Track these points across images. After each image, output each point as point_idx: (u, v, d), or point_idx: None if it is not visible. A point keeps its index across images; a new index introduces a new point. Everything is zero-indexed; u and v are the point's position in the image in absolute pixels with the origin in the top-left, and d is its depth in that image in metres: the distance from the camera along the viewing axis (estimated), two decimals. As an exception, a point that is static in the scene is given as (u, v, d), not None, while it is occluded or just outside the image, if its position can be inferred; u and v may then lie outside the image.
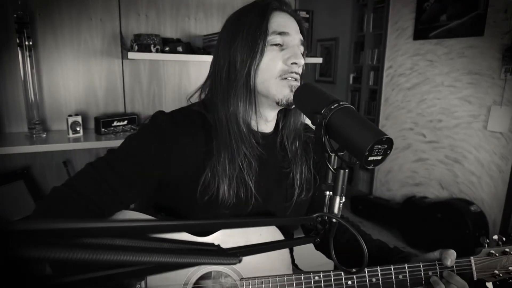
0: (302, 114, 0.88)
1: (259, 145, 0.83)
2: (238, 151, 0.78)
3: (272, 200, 0.86)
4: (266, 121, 0.86)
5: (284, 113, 0.90)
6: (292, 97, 0.78)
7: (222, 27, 0.86)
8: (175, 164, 0.78)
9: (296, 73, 0.79)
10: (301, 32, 0.83)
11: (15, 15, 1.62)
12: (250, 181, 0.80)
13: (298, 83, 0.80)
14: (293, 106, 0.81)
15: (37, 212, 0.74)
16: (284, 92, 0.78)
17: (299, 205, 0.90)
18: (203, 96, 0.88)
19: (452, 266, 0.78)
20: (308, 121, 0.93)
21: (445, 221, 2.65)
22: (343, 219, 0.55)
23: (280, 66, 0.78)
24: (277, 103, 0.80)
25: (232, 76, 0.79)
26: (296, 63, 0.78)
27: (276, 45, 0.78)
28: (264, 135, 0.86)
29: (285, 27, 0.79)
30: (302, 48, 0.82)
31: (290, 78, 0.78)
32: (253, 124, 0.84)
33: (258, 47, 0.77)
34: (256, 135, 0.83)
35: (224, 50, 0.81)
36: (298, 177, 0.87)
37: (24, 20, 1.64)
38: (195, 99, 0.88)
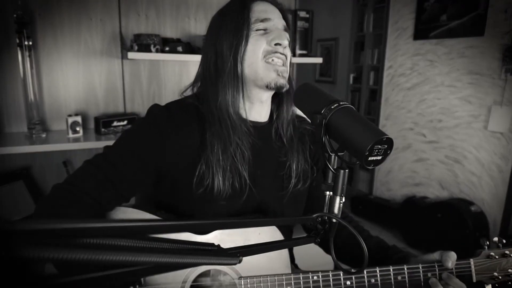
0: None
1: (252, 134, 0.83)
2: (230, 140, 0.79)
3: (268, 190, 0.86)
4: (260, 103, 0.87)
5: (278, 103, 0.92)
6: (281, 80, 0.81)
7: (207, 27, 0.89)
8: (171, 155, 0.79)
9: (281, 53, 0.81)
10: (285, 19, 0.86)
11: (15, 15, 1.62)
12: (244, 171, 0.81)
13: (285, 68, 0.83)
14: (284, 89, 0.83)
15: (39, 211, 0.74)
16: (271, 75, 0.81)
17: (296, 195, 0.90)
18: (195, 90, 0.90)
19: (452, 268, 0.78)
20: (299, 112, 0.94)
21: (445, 221, 2.65)
22: (343, 219, 0.55)
23: (264, 47, 0.80)
24: (267, 87, 0.81)
25: (220, 67, 0.82)
26: (280, 44, 0.80)
27: (260, 30, 0.81)
28: (257, 124, 0.88)
29: (266, 14, 0.82)
30: (286, 34, 0.85)
31: (275, 60, 0.81)
32: (244, 113, 0.85)
33: (242, 34, 0.80)
34: (247, 124, 0.84)
35: (211, 44, 0.84)
36: (294, 166, 0.88)
37: (24, 20, 1.64)
38: (188, 93, 0.90)
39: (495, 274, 0.80)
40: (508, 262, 0.81)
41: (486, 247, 0.81)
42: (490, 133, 2.55)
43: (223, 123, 0.80)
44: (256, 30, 0.81)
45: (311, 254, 1.02)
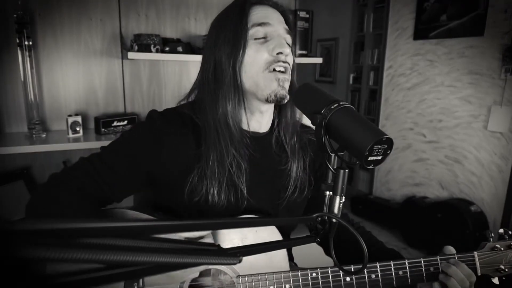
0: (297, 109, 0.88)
1: (250, 146, 0.82)
2: (227, 152, 0.77)
3: (264, 201, 0.85)
4: (260, 113, 0.84)
5: (279, 110, 0.89)
6: (281, 92, 0.78)
7: (207, 31, 0.86)
8: (165, 161, 0.79)
9: (284, 61, 0.78)
10: (287, 22, 0.83)
11: (15, 15, 1.62)
12: (241, 184, 0.79)
13: (287, 76, 0.79)
14: (285, 101, 0.80)
15: (35, 199, 0.76)
16: (272, 86, 0.77)
17: (292, 205, 0.88)
18: (192, 97, 0.88)
19: (454, 254, 0.79)
20: (305, 120, 0.92)
21: (445, 221, 2.65)
22: (343, 219, 0.55)
23: (266, 57, 0.77)
24: (266, 100, 0.78)
25: (219, 76, 0.79)
26: (281, 53, 0.76)
27: (259, 38, 0.78)
28: (257, 135, 0.85)
29: (265, 18, 0.78)
30: (288, 38, 0.82)
31: (277, 69, 0.77)
32: (244, 123, 0.83)
33: (240, 42, 0.76)
34: (246, 135, 0.82)
35: (209, 52, 0.81)
36: (293, 173, 0.86)
37: (24, 20, 1.64)
38: (184, 102, 0.89)
39: (501, 266, 0.78)
40: None
41: (491, 239, 0.79)
42: (490, 133, 2.55)
43: (221, 134, 0.77)
44: (255, 38, 0.77)
45: (310, 254, 1.02)
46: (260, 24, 0.77)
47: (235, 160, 0.78)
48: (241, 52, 0.77)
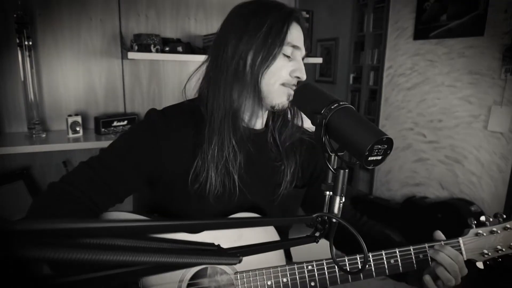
0: (300, 115, 0.90)
1: (250, 141, 0.84)
2: (228, 143, 0.80)
3: (259, 195, 0.87)
4: (257, 117, 0.87)
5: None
6: (287, 105, 0.82)
7: (231, 13, 0.83)
8: (166, 158, 0.80)
9: (295, 85, 0.81)
10: (305, 41, 0.86)
11: (15, 15, 1.62)
12: (233, 172, 0.82)
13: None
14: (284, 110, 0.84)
15: (33, 209, 0.75)
16: (282, 99, 0.81)
17: (286, 200, 0.90)
18: (200, 75, 0.87)
19: (445, 239, 0.83)
20: (306, 123, 0.93)
21: (445, 221, 2.65)
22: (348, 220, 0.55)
23: (286, 76, 0.80)
24: (272, 107, 0.82)
25: (240, 71, 0.79)
26: (299, 78, 0.80)
27: (286, 55, 0.80)
28: (254, 132, 0.88)
29: (299, 41, 0.81)
30: (304, 56, 0.85)
31: (290, 87, 0.80)
32: (246, 119, 0.86)
33: (273, 53, 0.78)
34: (247, 130, 0.85)
35: (235, 42, 0.79)
36: (288, 171, 0.89)
37: (24, 20, 1.64)
38: (190, 87, 0.87)
39: (485, 251, 0.83)
40: (496, 238, 0.84)
41: (474, 226, 0.84)
42: (490, 133, 2.55)
43: (226, 123, 0.79)
44: (283, 53, 0.79)
45: (309, 252, 1.02)
46: (294, 46, 0.80)
47: (233, 150, 0.81)
48: (269, 61, 0.78)
